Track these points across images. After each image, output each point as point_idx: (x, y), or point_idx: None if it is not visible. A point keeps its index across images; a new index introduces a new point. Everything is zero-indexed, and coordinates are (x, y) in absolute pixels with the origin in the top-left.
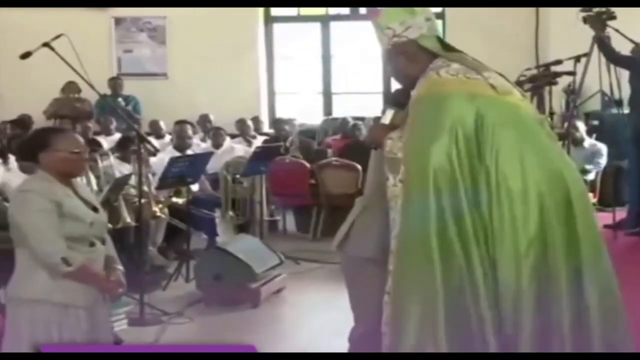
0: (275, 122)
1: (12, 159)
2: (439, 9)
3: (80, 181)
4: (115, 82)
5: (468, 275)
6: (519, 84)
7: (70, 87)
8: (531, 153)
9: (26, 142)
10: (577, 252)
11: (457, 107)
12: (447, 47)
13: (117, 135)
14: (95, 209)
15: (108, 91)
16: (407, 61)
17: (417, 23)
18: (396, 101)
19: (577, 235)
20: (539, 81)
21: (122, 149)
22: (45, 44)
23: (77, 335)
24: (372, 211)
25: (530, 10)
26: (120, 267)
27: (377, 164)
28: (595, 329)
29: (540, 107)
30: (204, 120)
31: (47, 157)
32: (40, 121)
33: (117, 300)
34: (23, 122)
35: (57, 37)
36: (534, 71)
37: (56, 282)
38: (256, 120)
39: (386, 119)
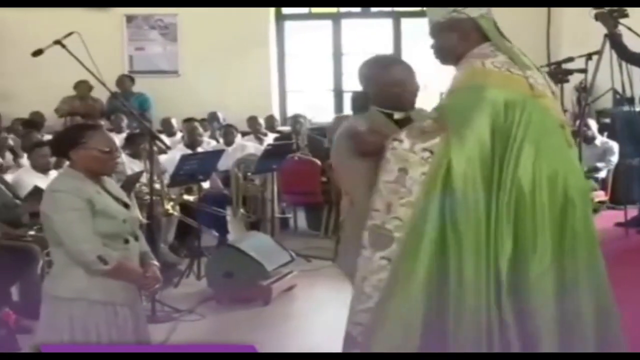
0: (292, 118)
1: (24, 157)
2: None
3: (109, 178)
4: (123, 80)
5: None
6: None
7: (81, 86)
8: (543, 157)
9: (58, 139)
10: (571, 254)
11: (494, 101)
12: (501, 34)
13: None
14: (126, 206)
15: (117, 89)
16: (459, 39)
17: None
18: (358, 105)
19: (573, 239)
20: (550, 79)
21: (132, 146)
22: (57, 42)
23: (120, 333)
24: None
25: (542, 9)
26: (156, 263)
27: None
28: (588, 330)
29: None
30: (212, 118)
31: (78, 154)
32: (52, 119)
33: (154, 295)
34: (34, 121)
35: (69, 34)
36: (546, 69)
37: (93, 279)
38: (270, 118)
39: (363, 125)
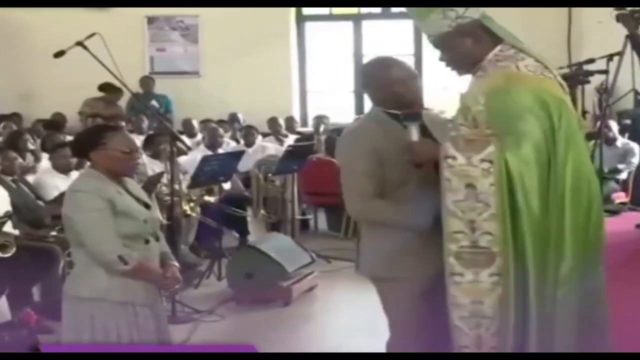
0: (316, 119)
1: (45, 158)
2: None
3: (130, 179)
4: (146, 81)
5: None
6: None
7: (111, 91)
8: (570, 159)
9: (79, 140)
10: (592, 255)
11: (538, 104)
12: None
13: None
14: (147, 206)
15: (140, 90)
16: (474, 43)
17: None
18: (407, 115)
19: (591, 242)
20: (571, 80)
21: (151, 146)
22: (79, 43)
23: (141, 334)
24: (378, 229)
25: (563, 9)
26: (176, 263)
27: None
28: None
29: (573, 106)
30: (232, 119)
31: (99, 155)
32: (74, 120)
33: (174, 296)
34: (56, 122)
35: (91, 36)
36: (567, 70)
37: (114, 280)
38: (289, 119)
39: (414, 136)
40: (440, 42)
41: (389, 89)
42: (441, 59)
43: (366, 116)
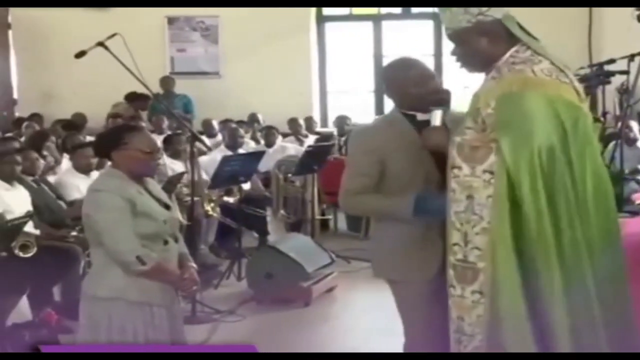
0: (339, 119)
1: (65, 158)
2: None
3: (151, 179)
4: (166, 81)
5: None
6: None
7: (139, 99)
8: (589, 164)
9: (101, 139)
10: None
11: (551, 111)
12: (526, 32)
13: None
14: (167, 207)
15: (160, 90)
16: (490, 42)
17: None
18: (436, 100)
19: (614, 247)
20: (592, 80)
21: (170, 146)
22: (100, 44)
23: (157, 334)
24: (388, 229)
25: (584, 10)
26: (194, 265)
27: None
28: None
29: (593, 107)
30: (252, 119)
31: (120, 155)
32: (93, 120)
33: (193, 296)
34: (75, 122)
35: (112, 36)
36: (587, 70)
37: (131, 280)
38: (309, 119)
39: (436, 120)
40: (456, 36)
41: (407, 90)
42: (453, 53)
43: (382, 117)
